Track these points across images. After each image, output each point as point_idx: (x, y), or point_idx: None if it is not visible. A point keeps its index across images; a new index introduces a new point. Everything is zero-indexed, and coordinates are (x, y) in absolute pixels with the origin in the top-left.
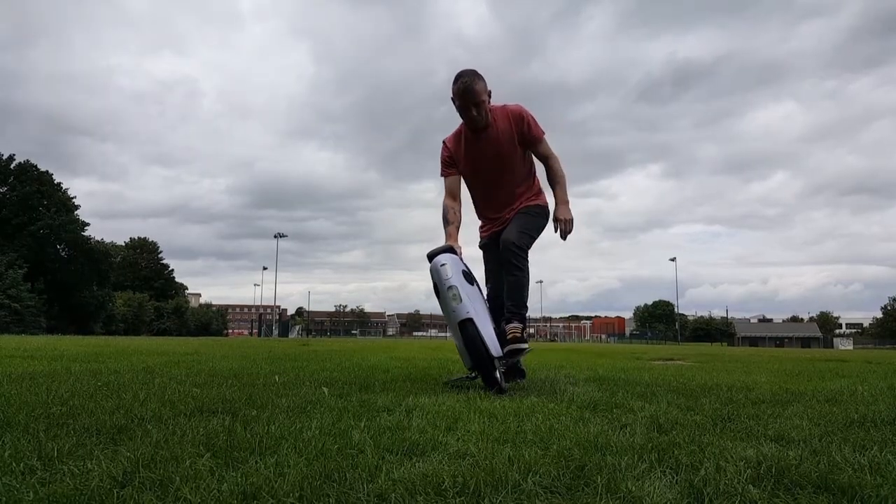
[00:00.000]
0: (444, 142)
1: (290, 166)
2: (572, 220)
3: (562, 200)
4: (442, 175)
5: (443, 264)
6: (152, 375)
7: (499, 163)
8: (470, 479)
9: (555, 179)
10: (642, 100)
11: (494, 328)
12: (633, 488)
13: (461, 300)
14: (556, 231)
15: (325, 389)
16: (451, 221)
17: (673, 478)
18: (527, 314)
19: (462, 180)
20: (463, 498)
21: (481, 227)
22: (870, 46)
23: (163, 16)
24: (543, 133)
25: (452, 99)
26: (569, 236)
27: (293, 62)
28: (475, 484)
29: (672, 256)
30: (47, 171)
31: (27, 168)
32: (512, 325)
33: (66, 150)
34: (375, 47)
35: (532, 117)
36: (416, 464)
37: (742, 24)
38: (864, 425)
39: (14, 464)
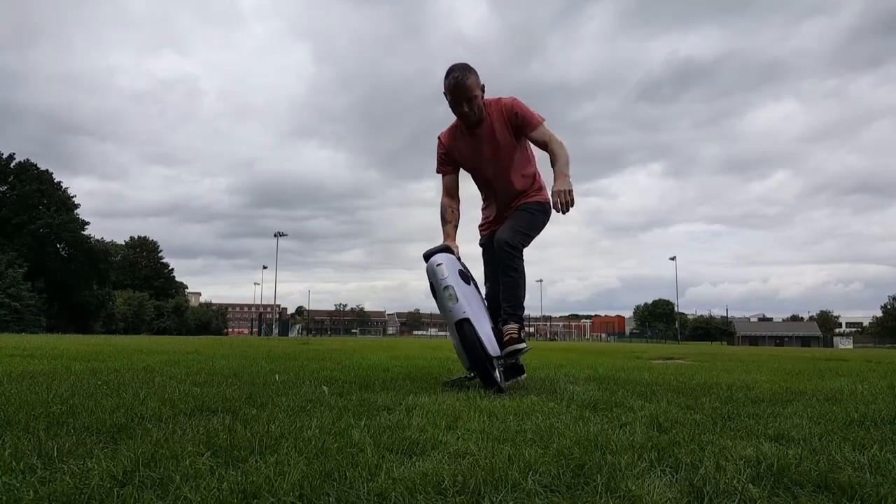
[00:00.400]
0: (439, 137)
1: (291, 166)
2: (571, 190)
3: (560, 174)
4: (438, 172)
5: (439, 264)
6: (152, 374)
7: (496, 159)
8: (470, 478)
9: (554, 159)
10: (643, 99)
11: (493, 328)
12: (633, 487)
13: (457, 300)
14: (554, 207)
15: (325, 388)
16: (448, 221)
17: (673, 476)
18: (524, 314)
19: (461, 176)
20: (463, 497)
21: (481, 226)
22: (871, 45)
23: (163, 15)
24: (542, 120)
25: (445, 94)
26: (570, 211)
27: (294, 62)
28: (475, 483)
29: (672, 255)
30: (47, 171)
31: (27, 167)
32: (508, 326)
33: (66, 149)
34: (376, 47)
35: (524, 106)
36: (417, 463)
37: (743, 23)
38: (863, 424)
39: (14, 462)
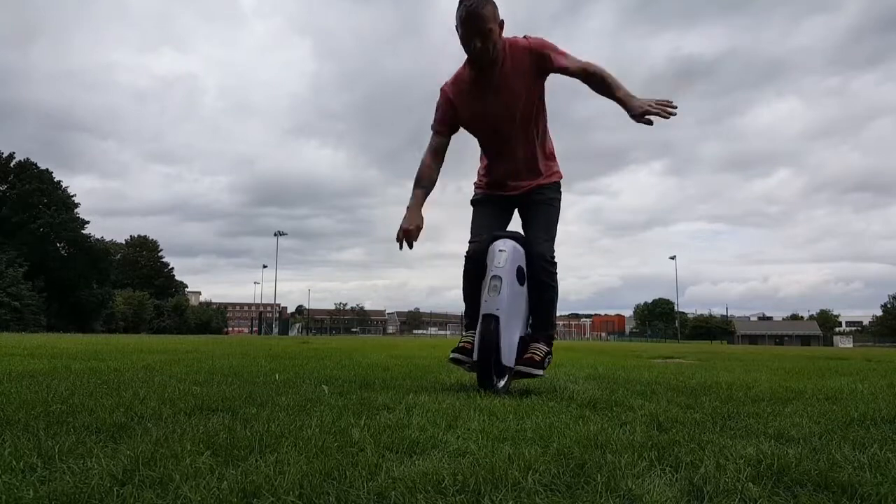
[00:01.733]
0: (442, 89)
1: (291, 164)
2: (653, 102)
3: (628, 95)
4: (433, 129)
5: (501, 250)
6: (152, 373)
7: (511, 110)
8: (470, 478)
9: (605, 81)
10: (643, 97)
11: (521, 337)
12: (633, 486)
13: (498, 293)
14: (659, 115)
15: (325, 387)
16: (423, 184)
17: (673, 476)
18: (554, 333)
19: (455, 137)
20: (463, 496)
21: (477, 183)
22: (872, 43)
23: (164, 13)
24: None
25: (456, 28)
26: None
27: (295, 60)
28: (475, 482)
29: (672, 255)
30: (47, 170)
31: (27, 166)
32: (536, 346)
33: (67, 147)
34: (377, 45)
35: (555, 46)
36: (416, 462)
37: (744, 21)
38: (863, 423)
39: (14, 462)
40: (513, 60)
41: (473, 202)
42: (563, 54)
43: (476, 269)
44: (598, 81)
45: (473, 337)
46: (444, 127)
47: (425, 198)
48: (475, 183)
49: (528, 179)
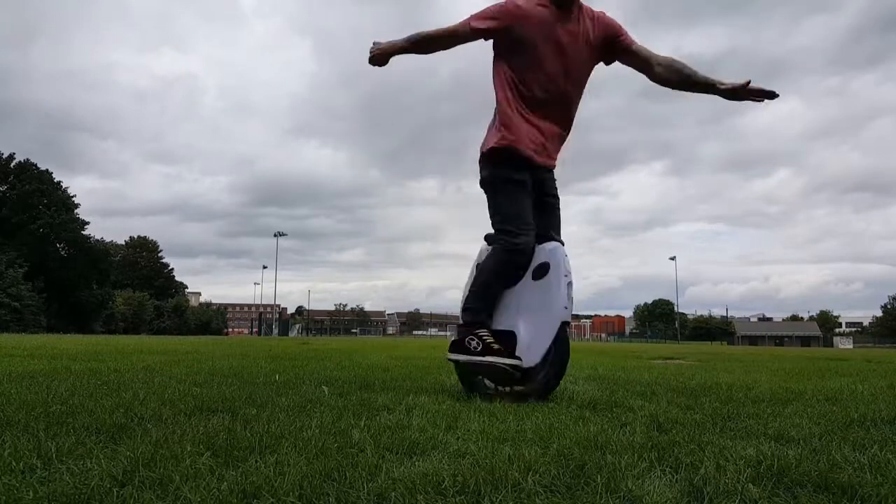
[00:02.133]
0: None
1: (291, 164)
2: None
3: (713, 79)
4: (472, 21)
5: (566, 255)
6: (152, 374)
7: (569, 72)
8: (470, 478)
9: (685, 66)
10: (645, 97)
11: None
12: (633, 487)
13: (572, 301)
14: (768, 97)
15: (325, 388)
16: (424, 38)
17: (673, 477)
18: None
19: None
20: (463, 497)
21: (518, 141)
22: (873, 43)
23: (164, 13)
24: None
25: None
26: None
27: (295, 60)
28: (475, 483)
29: (672, 255)
30: (47, 170)
31: (27, 167)
32: None
33: (67, 147)
34: None
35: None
36: (417, 463)
37: (745, 21)
38: (864, 424)
39: (14, 462)
40: (588, 22)
41: (508, 180)
42: (632, 39)
43: (525, 266)
44: (680, 68)
45: (489, 337)
46: (495, 22)
47: (409, 50)
48: (508, 143)
49: (554, 154)
